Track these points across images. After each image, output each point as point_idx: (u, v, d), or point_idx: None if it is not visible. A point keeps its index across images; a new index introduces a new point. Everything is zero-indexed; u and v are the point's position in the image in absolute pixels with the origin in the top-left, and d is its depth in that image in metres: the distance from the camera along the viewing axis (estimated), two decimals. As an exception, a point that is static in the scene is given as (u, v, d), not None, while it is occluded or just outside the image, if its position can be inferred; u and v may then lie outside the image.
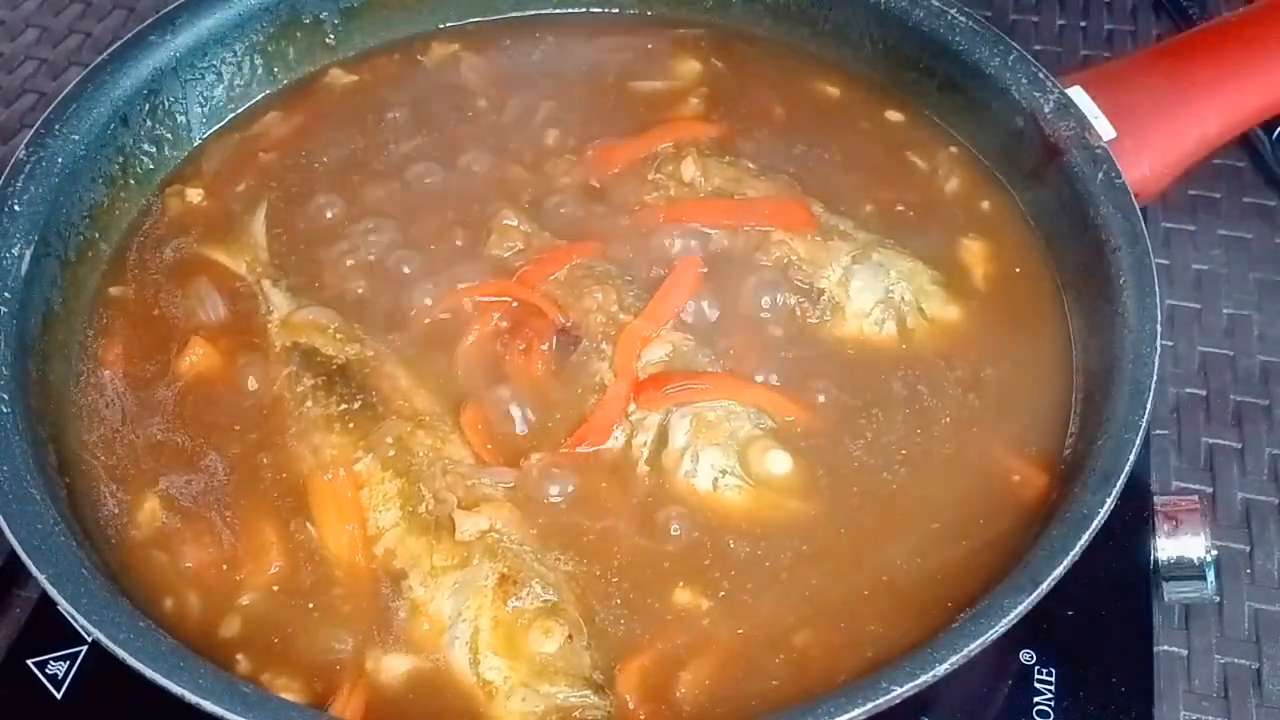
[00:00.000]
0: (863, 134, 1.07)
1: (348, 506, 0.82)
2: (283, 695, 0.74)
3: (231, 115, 1.08)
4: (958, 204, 1.02)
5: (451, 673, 0.76)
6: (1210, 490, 1.04)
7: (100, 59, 1.00)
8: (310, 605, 0.79)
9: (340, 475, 0.83)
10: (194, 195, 1.02)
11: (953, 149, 1.05)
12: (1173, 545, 0.92)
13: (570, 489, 0.83)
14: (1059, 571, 0.72)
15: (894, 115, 1.08)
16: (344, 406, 0.87)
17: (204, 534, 0.82)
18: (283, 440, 0.86)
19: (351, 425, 0.86)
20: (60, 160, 0.93)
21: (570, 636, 0.76)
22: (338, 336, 0.91)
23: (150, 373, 0.91)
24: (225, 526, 0.83)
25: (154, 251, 0.98)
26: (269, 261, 0.97)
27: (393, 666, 0.77)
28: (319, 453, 0.85)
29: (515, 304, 0.92)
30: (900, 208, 1.01)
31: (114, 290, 0.96)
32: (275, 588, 0.80)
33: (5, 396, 0.81)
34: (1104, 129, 0.98)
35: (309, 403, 0.87)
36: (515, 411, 0.87)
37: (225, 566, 0.81)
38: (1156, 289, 0.86)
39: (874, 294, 0.93)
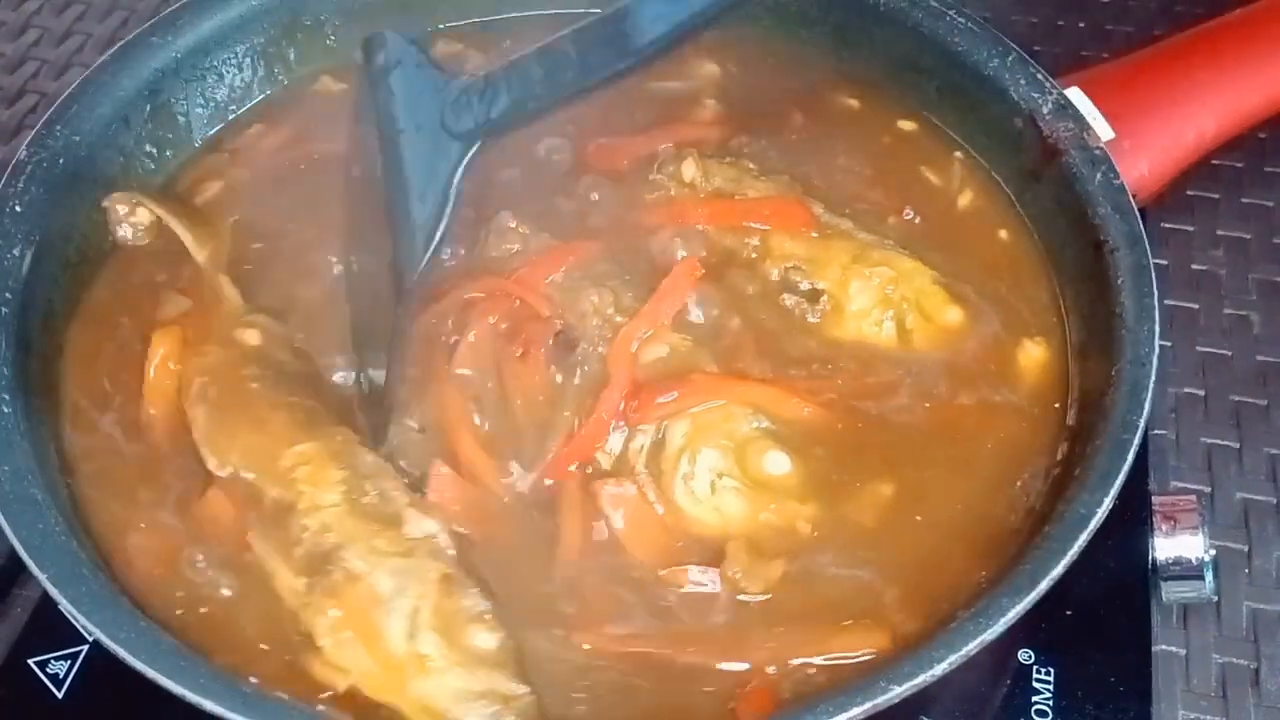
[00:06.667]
0: (866, 135, 1.07)
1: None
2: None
3: (233, 116, 1.08)
4: (956, 204, 1.02)
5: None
6: (1209, 490, 1.04)
7: (101, 60, 1.00)
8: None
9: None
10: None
11: (957, 154, 1.05)
12: (1171, 545, 0.92)
13: (559, 498, 0.83)
14: (1057, 571, 0.72)
15: (905, 125, 1.07)
16: (294, 399, 0.85)
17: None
18: None
19: (300, 416, 0.84)
20: (61, 161, 0.93)
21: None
22: (294, 347, 0.90)
23: (123, 369, 0.90)
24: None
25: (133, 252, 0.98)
26: (229, 257, 0.96)
27: None
28: (261, 423, 0.83)
29: (517, 303, 0.91)
30: (905, 209, 1.00)
31: (104, 291, 0.96)
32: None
33: (6, 396, 0.81)
34: (1102, 130, 0.98)
35: (254, 385, 0.85)
36: (513, 414, 0.86)
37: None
38: (1155, 290, 0.86)
39: (873, 294, 0.93)
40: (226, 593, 0.79)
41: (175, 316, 0.92)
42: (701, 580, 0.79)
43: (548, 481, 0.84)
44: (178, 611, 0.78)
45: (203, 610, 0.78)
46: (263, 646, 0.77)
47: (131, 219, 0.98)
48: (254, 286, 0.94)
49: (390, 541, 0.77)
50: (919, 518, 0.83)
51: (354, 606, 0.74)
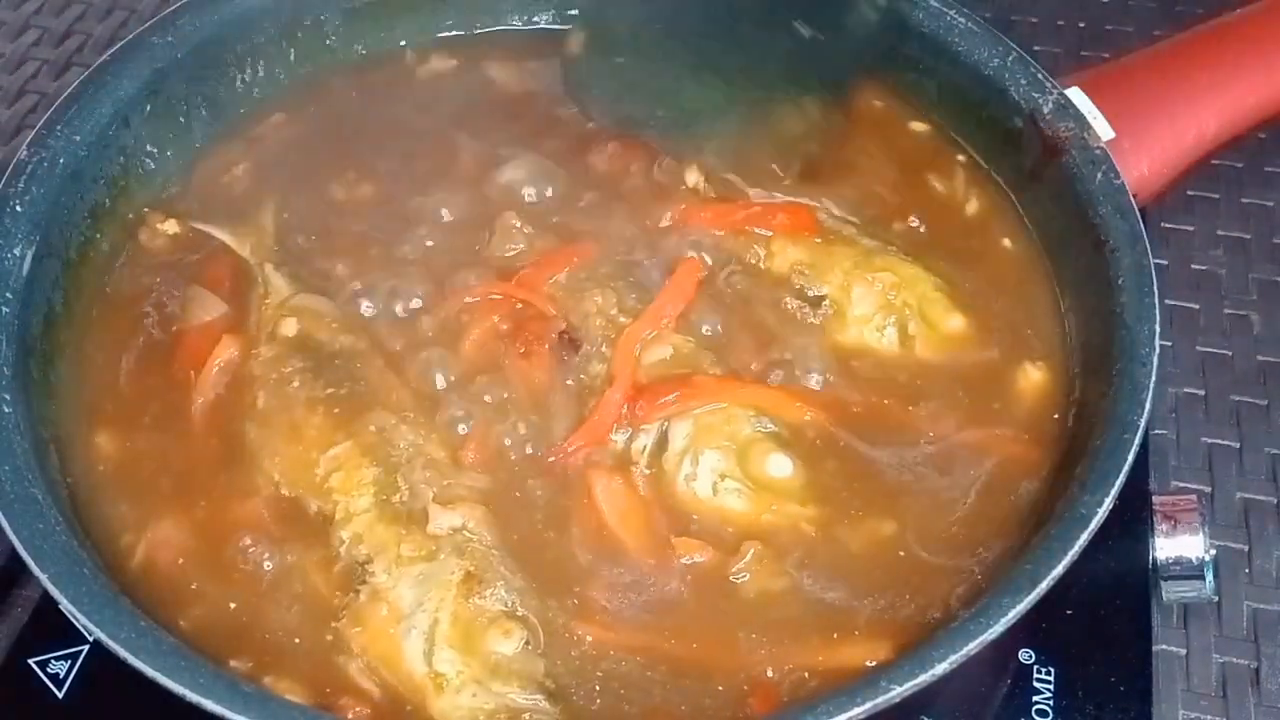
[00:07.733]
0: (874, 140, 1.07)
1: None
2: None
3: (233, 116, 1.08)
4: (963, 212, 1.02)
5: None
6: (1209, 490, 1.04)
7: (102, 60, 1.00)
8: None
9: None
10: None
11: (960, 158, 1.05)
12: (1171, 545, 0.92)
13: (556, 497, 0.83)
14: (1058, 571, 0.72)
15: (911, 127, 1.07)
16: (331, 390, 0.87)
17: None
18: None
19: (336, 411, 0.85)
20: (62, 161, 0.93)
21: (527, 642, 0.76)
22: (333, 325, 0.91)
23: (149, 370, 0.91)
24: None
25: (152, 249, 0.99)
26: (273, 246, 0.97)
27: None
28: (298, 430, 0.85)
29: (519, 305, 0.91)
30: (911, 217, 1.00)
31: (112, 290, 0.96)
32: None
33: (7, 397, 0.81)
34: (1103, 130, 0.98)
35: (295, 383, 0.87)
36: (512, 414, 0.86)
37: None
38: (1155, 290, 0.86)
39: (875, 300, 0.93)
40: (267, 579, 0.80)
41: (215, 319, 0.93)
42: (698, 559, 0.80)
43: (550, 476, 0.84)
44: (195, 610, 0.79)
45: (232, 605, 0.79)
46: (296, 640, 0.78)
47: (161, 225, 0.99)
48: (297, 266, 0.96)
49: (415, 545, 0.79)
50: (917, 527, 0.83)
51: (377, 629, 0.77)
